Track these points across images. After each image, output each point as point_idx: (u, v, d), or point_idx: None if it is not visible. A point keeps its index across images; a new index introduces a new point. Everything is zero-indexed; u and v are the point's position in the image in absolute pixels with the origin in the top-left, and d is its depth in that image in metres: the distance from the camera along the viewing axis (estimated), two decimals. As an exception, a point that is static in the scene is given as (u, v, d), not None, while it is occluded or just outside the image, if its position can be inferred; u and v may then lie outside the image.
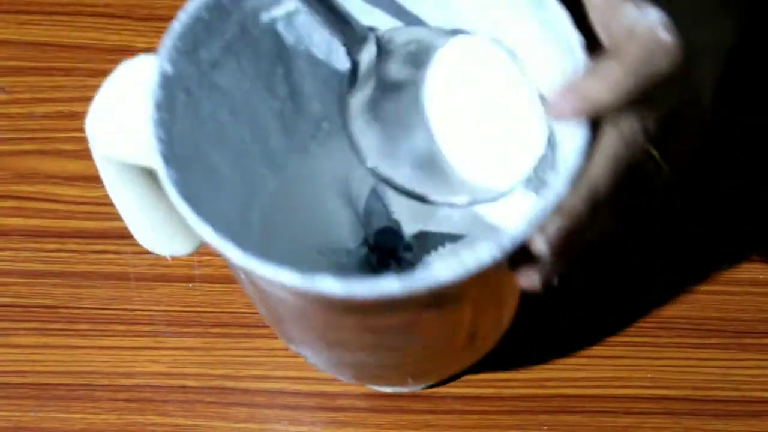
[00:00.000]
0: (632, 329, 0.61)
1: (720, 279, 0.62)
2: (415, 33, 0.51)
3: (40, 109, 0.65)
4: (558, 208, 0.43)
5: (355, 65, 0.49)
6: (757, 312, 0.61)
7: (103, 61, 0.66)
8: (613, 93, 0.43)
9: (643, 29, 0.43)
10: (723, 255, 0.62)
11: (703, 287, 0.62)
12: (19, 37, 0.67)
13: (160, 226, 0.53)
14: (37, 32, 0.67)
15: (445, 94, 0.51)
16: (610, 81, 0.43)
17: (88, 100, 0.64)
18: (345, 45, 0.49)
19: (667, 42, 0.43)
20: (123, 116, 0.48)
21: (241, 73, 0.51)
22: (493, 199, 0.50)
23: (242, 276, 0.48)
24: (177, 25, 0.48)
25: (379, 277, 0.42)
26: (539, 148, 0.49)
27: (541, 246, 0.43)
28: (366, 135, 0.50)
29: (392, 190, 0.50)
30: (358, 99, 0.50)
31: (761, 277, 0.62)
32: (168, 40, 0.48)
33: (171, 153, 0.46)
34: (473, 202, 0.50)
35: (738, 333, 0.61)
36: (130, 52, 0.65)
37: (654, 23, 0.43)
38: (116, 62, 0.65)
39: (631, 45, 0.43)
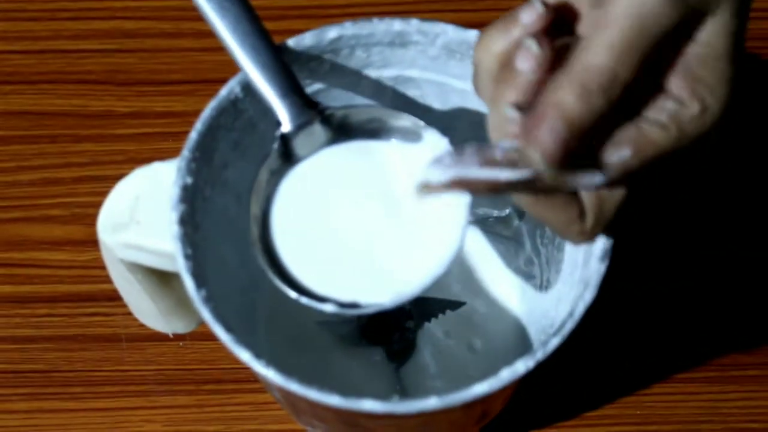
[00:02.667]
0: (618, 367, 0.61)
1: (703, 313, 0.63)
2: (374, 112, 0.47)
3: (25, 176, 0.66)
4: (550, 105, 0.38)
5: (286, 144, 0.47)
6: (740, 344, 0.62)
7: (86, 126, 0.67)
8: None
9: None
10: (704, 291, 0.63)
11: (687, 322, 0.62)
12: (2, 107, 0.68)
13: (165, 310, 0.54)
14: (20, 101, 0.68)
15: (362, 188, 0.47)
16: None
17: (72, 165, 0.66)
18: (289, 121, 0.46)
19: None
20: (138, 226, 0.49)
21: (246, 163, 0.51)
22: (417, 293, 0.45)
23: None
24: (194, 135, 0.48)
25: (419, 399, 0.43)
26: (455, 243, 0.45)
27: (534, 156, 0.38)
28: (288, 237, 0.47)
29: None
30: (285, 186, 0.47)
31: (743, 309, 0.63)
32: (186, 152, 0.47)
33: (196, 266, 0.46)
34: (397, 300, 0.45)
35: (723, 366, 0.62)
36: (112, 116, 0.67)
37: None
38: (99, 127, 0.67)
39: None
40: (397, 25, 0.49)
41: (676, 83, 0.39)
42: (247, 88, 0.48)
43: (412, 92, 0.53)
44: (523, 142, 0.38)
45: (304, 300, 0.45)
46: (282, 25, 0.68)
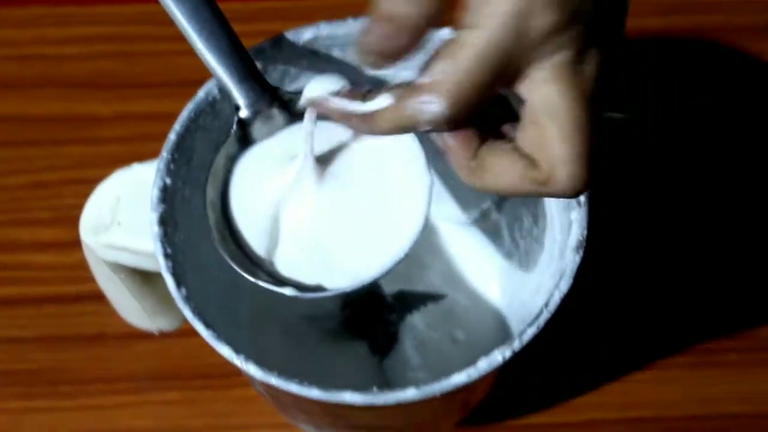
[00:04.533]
0: (600, 354, 0.62)
1: (684, 299, 0.64)
2: None
3: (12, 180, 0.67)
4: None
5: (244, 129, 0.46)
6: (721, 329, 0.63)
7: (69, 130, 0.68)
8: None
9: None
10: (684, 277, 0.64)
11: (669, 307, 0.63)
12: (-13, 113, 0.69)
13: (149, 309, 0.55)
14: (4, 107, 0.69)
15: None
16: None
17: (56, 169, 0.67)
18: (247, 106, 0.46)
19: None
20: (119, 227, 0.49)
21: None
22: (377, 276, 0.45)
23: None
24: (172, 136, 0.48)
25: (398, 390, 0.44)
26: (415, 228, 0.45)
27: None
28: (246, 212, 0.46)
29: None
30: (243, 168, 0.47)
31: (723, 294, 0.64)
32: (165, 153, 0.48)
33: (176, 266, 0.47)
34: (357, 283, 0.45)
35: (705, 351, 0.62)
36: (95, 120, 0.68)
37: None
38: (83, 131, 0.67)
39: None
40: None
41: None
42: None
43: None
44: None
45: (261, 283, 0.44)
46: (259, 26, 0.68)
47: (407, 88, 0.39)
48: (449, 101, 0.38)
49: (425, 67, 0.39)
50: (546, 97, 0.39)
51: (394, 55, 0.40)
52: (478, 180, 0.41)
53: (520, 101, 0.40)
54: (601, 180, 0.40)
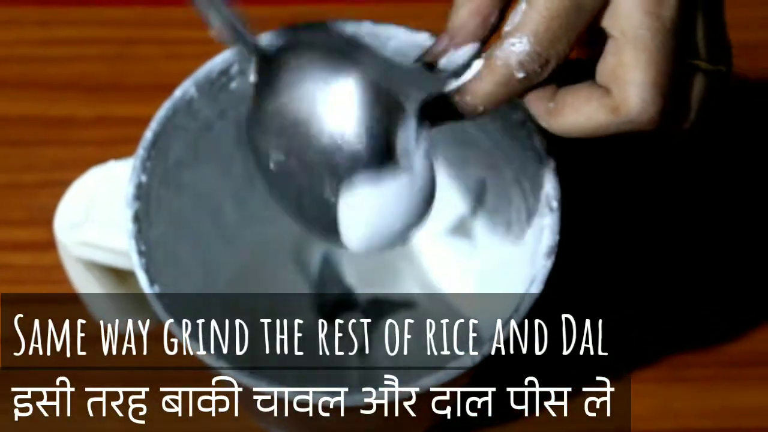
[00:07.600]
0: (569, 366, 0.62)
1: (653, 313, 0.64)
2: None
3: (-13, 180, 0.66)
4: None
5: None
6: (690, 344, 0.63)
7: (48, 131, 0.68)
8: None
9: None
10: (653, 290, 0.65)
11: (638, 321, 0.64)
12: (-37, 113, 0.68)
13: (123, 309, 0.55)
14: (-19, 107, 0.69)
15: None
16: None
17: (34, 169, 0.67)
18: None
19: None
20: (94, 224, 0.50)
21: (202, 164, 0.52)
22: None
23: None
24: (149, 134, 0.49)
25: (366, 392, 0.45)
26: None
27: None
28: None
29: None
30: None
31: (693, 307, 0.64)
32: (141, 150, 0.49)
33: (150, 263, 0.47)
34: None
35: (674, 365, 0.63)
36: (74, 121, 0.68)
37: None
38: (62, 132, 0.67)
39: None
40: (349, 27, 0.50)
41: None
42: (202, 88, 0.49)
43: None
44: None
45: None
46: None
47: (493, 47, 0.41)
48: (534, 37, 0.39)
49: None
50: (626, 22, 0.40)
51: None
52: (557, 120, 0.42)
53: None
54: (679, 121, 0.41)
